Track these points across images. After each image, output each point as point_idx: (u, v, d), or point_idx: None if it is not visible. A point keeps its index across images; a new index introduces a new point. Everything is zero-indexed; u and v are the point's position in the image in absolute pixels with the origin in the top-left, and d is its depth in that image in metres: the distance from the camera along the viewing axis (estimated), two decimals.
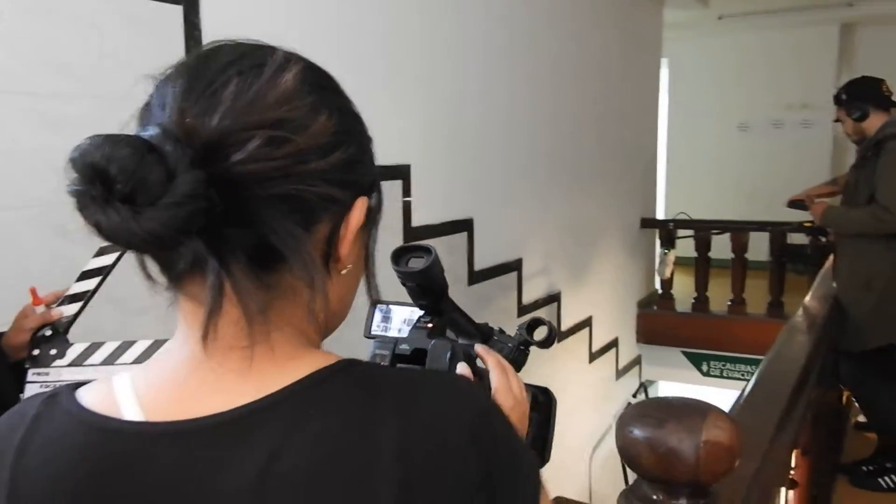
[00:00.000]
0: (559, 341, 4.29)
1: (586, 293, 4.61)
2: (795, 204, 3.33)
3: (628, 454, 0.96)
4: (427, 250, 0.72)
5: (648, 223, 5.43)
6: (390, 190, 2.90)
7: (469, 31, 3.27)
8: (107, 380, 0.53)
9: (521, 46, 3.71)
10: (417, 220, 3.03)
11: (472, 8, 3.29)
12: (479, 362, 0.78)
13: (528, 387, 0.90)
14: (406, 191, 2.97)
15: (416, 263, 0.71)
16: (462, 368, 0.73)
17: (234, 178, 0.46)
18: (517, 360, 0.89)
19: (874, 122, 2.74)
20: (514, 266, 3.79)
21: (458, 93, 3.20)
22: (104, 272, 1.34)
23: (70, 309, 1.35)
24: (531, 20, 3.80)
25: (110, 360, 1.35)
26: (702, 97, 7.24)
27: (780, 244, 4.81)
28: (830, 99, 3.00)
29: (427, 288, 0.74)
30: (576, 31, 4.30)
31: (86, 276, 1.36)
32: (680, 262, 5.32)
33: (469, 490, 0.47)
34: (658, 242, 5.39)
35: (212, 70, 0.49)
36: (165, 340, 1.37)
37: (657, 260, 5.27)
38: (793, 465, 1.81)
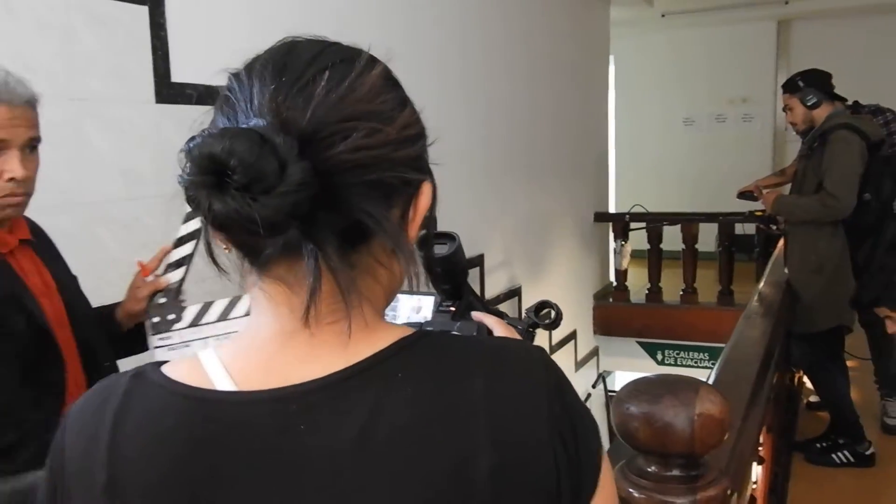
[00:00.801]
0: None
1: (545, 287, 4.69)
2: (745, 195, 3.45)
3: (625, 429, 1.01)
4: (451, 237, 0.75)
5: (602, 217, 5.55)
6: None
7: (422, 32, 3.30)
8: (192, 356, 0.55)
9: (474, 46, 3.76)
10: None
11: (424, 8, 3.32)
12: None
13: None
14: None
15: (441, 249, 0.74)
16: None
17: (334, 166, 0.49)
18: (528, 341, 0.93)
19: (822, 112, 2.87)
20: (476, 262, 3.84)
21: (412, 92, 3.23)
22: (196, 236, 1.44)
23: (175, 275, 1.45)
24: (483, 20, 3.86)
25: (223, 316, 1.49)
26: (648, 93, 7.43)
27: (728, 234, 4.98)
28: (770, 93, 3.13)
29: (451, 272, 0.77)
30: (527, 29, 4.37)
31: (180, 242, 1.47)
32: (633, 255, 5.46)
33: (554, 471, 0.51)
34: (612, 236, 5.51)
35: (298, 65, 0.52)
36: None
37: (612, 252, 5.40)
38: (761, 440, 1.90)
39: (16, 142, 1.17)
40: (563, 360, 5.04)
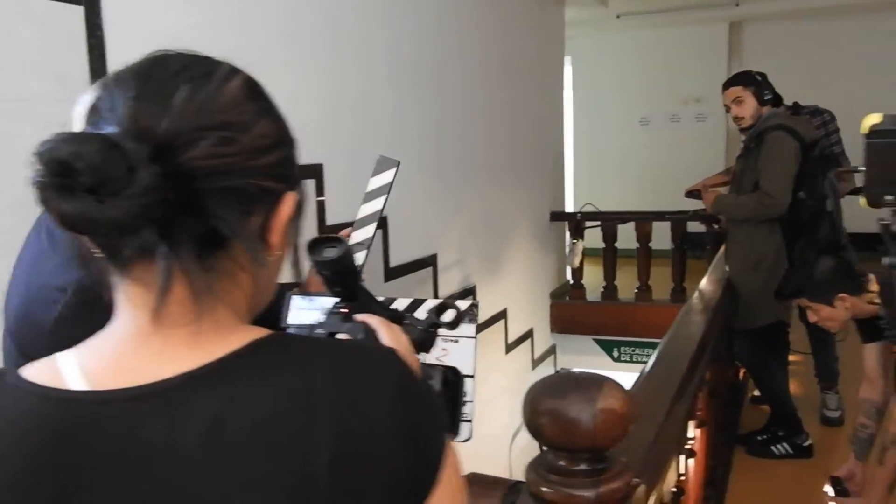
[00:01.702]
0: (476, 333, 4.40)
1: (501, 286, 4.73)
2: (692, 194, 3.53)
3: (534, 426, 1.05)
4: (339, 240, 0.77)
5: (558, 216, 5.61)
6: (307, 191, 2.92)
7: (375, 32, 3.31)
8: (49, 357, 0.57)
9: (428, 46, 3.78)
10: (332, 219, 3.06)
11: (377, 7, 3.33)
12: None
13: (439, 366, 0.96)
14: (319, 190, 3.00)
15: (331, 253, 0.76)
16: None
17: (186, 172, 0.52)
18: (426, 341, 0.95)
19: (763, 112, 2.94)
20: (430, 261, 3.86)
21: (365, 92, 3.24)
22: (377, 218, 1.40)
23: (358, 258, 1.39)
24: (437, 20, 3.88)
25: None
26: (605, 93, 7.54)
27: (680, 232, 5.07)
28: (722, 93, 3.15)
29: (340, 275, 0.79)
30: (481, 28, 4.41)
31: (361, 223, 1.43)
32: (589, 253, 5.53)
33: (396, 469, 0.54)
34: (568, 235, 5.58)
35: (163, 76, 0.56)
36: (455, 300, 1.41)
37: (567, 250, 5.46)
38: (690, 435, 1.95)
39: None
40: (521, 358, 5.09)
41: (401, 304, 1.50)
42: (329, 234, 0.78)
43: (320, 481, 0.50)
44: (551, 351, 5.67)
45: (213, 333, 0.56)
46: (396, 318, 0.93)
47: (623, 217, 5.27)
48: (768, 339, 3.05)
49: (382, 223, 3.41)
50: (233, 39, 2.48)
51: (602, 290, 5.38)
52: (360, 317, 0.82)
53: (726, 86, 3.03)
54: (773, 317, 2.95)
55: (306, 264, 0.79)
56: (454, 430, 0.96)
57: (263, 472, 0.50)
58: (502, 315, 4.78)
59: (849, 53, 6.70)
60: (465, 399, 1.42)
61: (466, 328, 1.44)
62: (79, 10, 1.99)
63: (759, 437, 3.15)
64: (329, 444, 0.51)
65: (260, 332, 0.58)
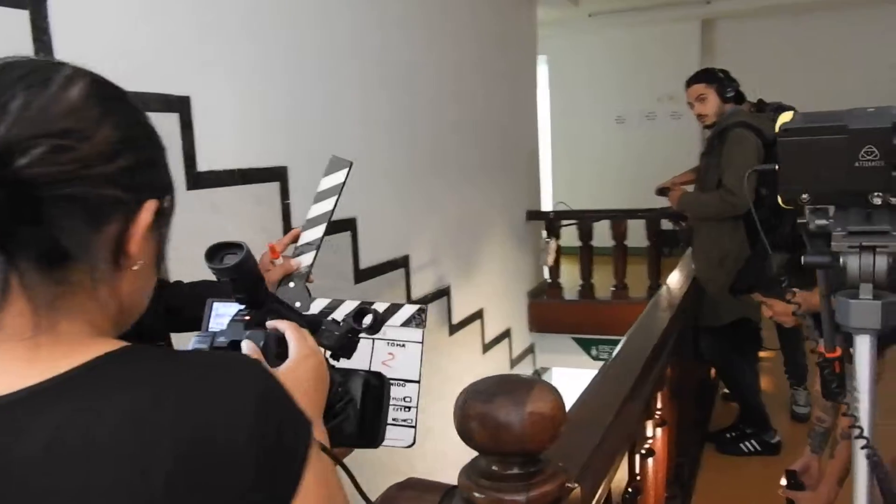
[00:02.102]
0: (451, 334, 4.39)
1: (476, 286, 4.73)
2: (663, 191, 3.53)
3: (464, 430, 1.03)
4: (240, 246, 0.75)
5: (534, 215, 5.61)
6: (269, 193, 2.89)
7: (342, 31, 3.29)
8: None
9: (396, 45, 3.76)
10: (297, 222, 3.03)
11: (344, 7, 3.32)
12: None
13: (360, 372, 0.95)
14: (284, 193, 2.97)
15: (231, 259, 0.74)
16: (247, 347, 0.77)
17: (22, 181, 0.50)
18: (345, 346, 0.94)
19: (727, 109, 2.95)
20: (402, 263, 3.85)
21: (332, 92, 3.22)
22: (327, 218, 1.38)
23: (306, 259, 1.39)
24: (405, 18, 3.87)
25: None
26: (581, 92, 7.54)
27: (654, 230, 5.08)
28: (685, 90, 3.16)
29: (242, 282, 0.77)
30: (453, 28, 4.40)
31: (311, 223, 1.41)
32: (567, 252, 5.54)
33: (243, 483, 0.52)
34: (545, 234, 5.59)
35: (4, 84, 0.54)
36: (401, 304, 1.37)
37: (541, 249, 5.47)
38: (649, 434, 1.94)
39: None
40: (499, 357, 5.09)
41: (318, 306, 1.49)
42: (229, 241, 0.77)
43: (157, 499, 0.49)
44: (530, 350, 5.67)
45: (56, 347, 0.54)
46: (313, 323, 0.92)
47: (598, 215, 5.27)
48: (735, 336, 3.06)
49: (351, 225, 3.40)
50: (186, 43, 2.46)
51: (579, 288, 5.39)
52: (271, 323, 0.81)
53: (689, 83, 3.04)
54: (739, 313, 2.96)
55: (207, 271, 0.78)
56: (374, 438, 0.94)
57: (100, 489, 0.49)
58: (479, 315, 4.77)
59: (822, 50, 6.74)
60: (408, 405, 1.41)
61: (413, 333, 1.44)
62: (24, 14, 1.96)
63: (728, 435, 3.15)
64: (168, 462, 0.50)
65: (115, 346, 0.56)
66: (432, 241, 4.17)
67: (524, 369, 5.54)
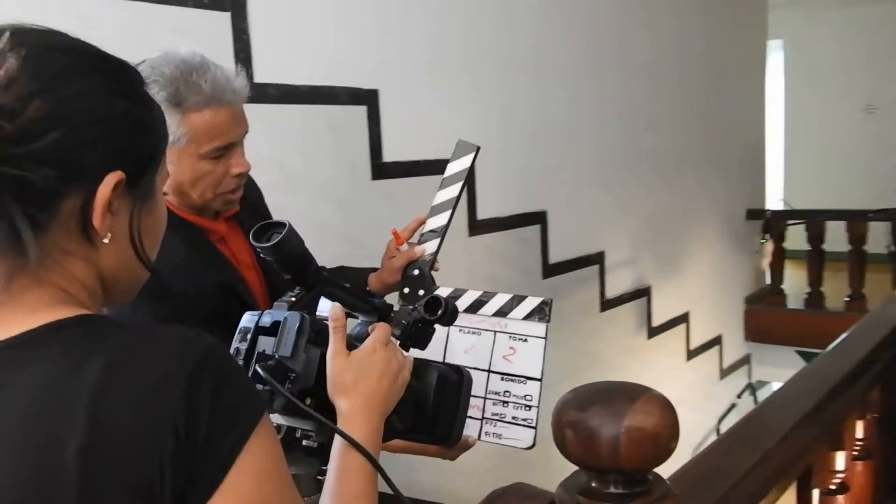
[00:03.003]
0: (650, 338, 4.16)
1: (682, 288, 4.43)
2: None
3: (556, 437, 0.94)
4: (282, 224, 0.74)
5: (755, 214, 5.12)
6: None
7: (527, 23, 3.22)
8: None
9: (608, 32, 3.61)
10: (484, 213, 3.04)
11: None
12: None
13: (437, 364, 0.90)
14: (471, 185, 2.98)
15: (275, 237, 0.74)
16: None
17: None
18: (416, 336, 0.89)
19: None
20: (596, 259, 3.71)
21: (516, 83, 3.17)
22: (452, 205, 1.38)
23: (430, 246, 1.39)
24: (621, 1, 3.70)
25: (473, 309, 1.42)
26: (822, 78, 6.75)
27: None
28: None
29: (287, 261, 0.76)
30: (672, 12, 4.12)
31: (436, 210, 1.41)
32: (793, 256, 5.01)
33: (156, 459, 0.50)
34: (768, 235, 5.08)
35: None
36: (525, 296, 1.42)
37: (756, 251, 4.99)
38: (839, 468, 1.67)
39: (239, 139, 1.22)
40: (705, 366, 4.73)
41: (441, 294, 1.41)
42: (275, 220, 0.75)
43: (69, 468, 0.48)
44: (744, 361, 5.21)
45: (20, 312, 0.56)
46: (382, 310, 0.88)
47: (824, 215, 4.68)
48: None
49: (541, 218, 3.33)
50: (375, 34, 2.54)
51: (806, 296, 4.84)
52: (324, 305, 0.79)
53: None
54: None
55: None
56: (447, 436, 0.89)
57: (15, 452, 0.49)
58: (683, 319, 4.47)
59: None
60: (528, 403, 1.33)
61: (536, 327, 1.35)
62: (225, 17, 2.14)
63: None
64: (83, 430, 0.49)
65: (67, 313, 0.56)
66: (631, 237, 3.96)
67: (737, 381, 5.10)
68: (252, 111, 2.21)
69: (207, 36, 2.10)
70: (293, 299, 0.79)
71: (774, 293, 5.00)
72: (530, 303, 1.35)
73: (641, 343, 4.09)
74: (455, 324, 1.38)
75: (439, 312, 0.89)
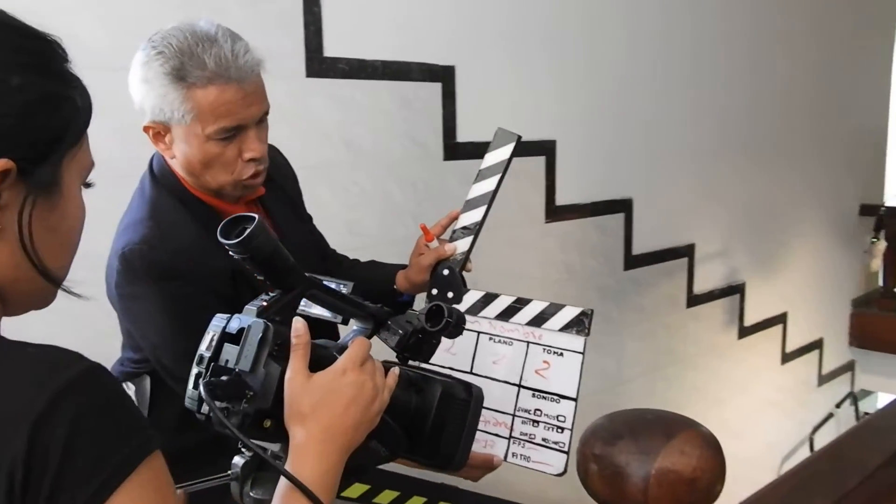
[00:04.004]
0: (741, 337, 3.90)
1: (780, 286, 4.13)
2: None
3: (580, 471, 0.83)
4: (252, 218, 0.66)
5: (870, 210, 4.70)
6: (533, 167, 2.78)
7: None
8: None
9: (707, 7, 3.35)
10: (563, 199, 2.90)
11: None
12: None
13: (442, 379, 0.80)
14: (550, 169, 2.84)
15: (239, 234, 0.65)
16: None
17: None
18: (415, 348, 0.80)
19: None
20: (685, 252, 3.49)
21: (601, 63, 2.97)
22: (488, 200, 1.28)
23: (462, 244, 1.29)
24: None
25: (505, 316, 1.31)
26: None
27: None
28: None
29: (258, 260, 0.68)
30: None
31: (471, 205, 1.31)
32: None
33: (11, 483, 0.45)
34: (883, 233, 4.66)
35: None
36: (562, 305, 1.31)
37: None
38: None
39: (251, 121, 1.12)
40: (802, 370, 4.42)
41: (471, 299, 1.26)
42: (245, 214, 0.67)
43: None
44: (848, 368, 4.83)
45: None
46: (378, 317, 0.79)
47: None
48: None
49: (626, 206, 3.15)
50: (456, 12, 2.43)
51: None
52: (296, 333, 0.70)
53: None
54: None
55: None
56: (450, 459, 0.79)
57: None
58: (781, 319, 4.18)
59: None
60: (561, 425, 1.21)
61: (573, 340, 1.22)
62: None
63: None
64: None
65: None
66: (724, 229, 3.71)
67: (837, 389, 4.74)
68: (321, 86, 2.19)
69: (276, 7, 2.05)
70: (264, 304, 0.72)
71: (886, 296, 4.59)
72: (569, 312, 1.22)
73: (730, 342, 3.84)
74: (485, 331, 1.28)
75: (442, 323, 0.79)
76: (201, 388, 0.63)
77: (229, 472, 0.71)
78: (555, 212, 2.87)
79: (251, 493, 0.71)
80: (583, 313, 1.22)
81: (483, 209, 1.25)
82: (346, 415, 0.68)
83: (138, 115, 1.14)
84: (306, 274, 0.74)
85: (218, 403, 0.64)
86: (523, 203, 2.79)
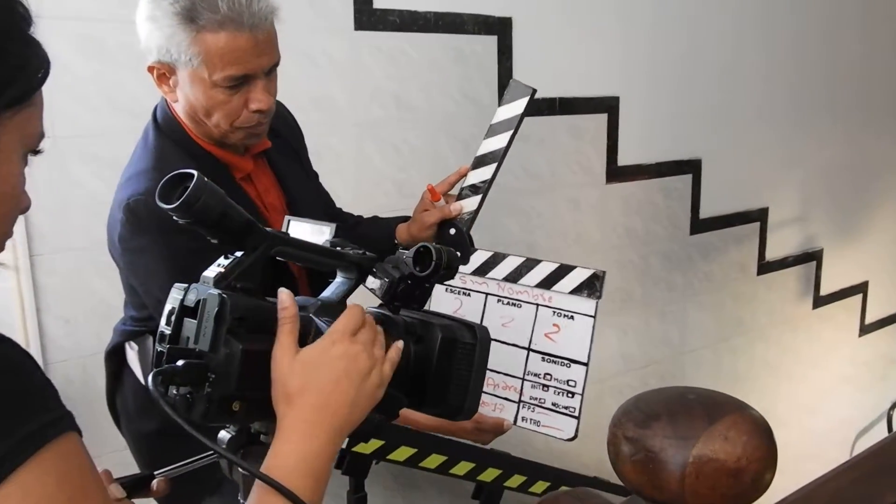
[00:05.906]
0: (815, 307, 3.70)
1: (860, 254, 3.89)
2: None
3: (611, 453, 0.75)
4: (191, 175, 0.58)
5: None
6: (595, 125, 2.66)
7: None
8: None
9: None
10: (626, 159, 2.76)
11: None
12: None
13: (441, 323, 0.72)
14: (612, 127, 2.71)
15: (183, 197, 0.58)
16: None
17: None
18: (404, 296, 0.72)
19: None
20: (757, 216, 3.31)
21: (670, 17, 2.79)
22: (498, 157, 1.22)
23: (469, 203, 1.24)
24: None
25: (513, 277, 1.26)
26: None
27: None
28: None
29: (208, 223, 0.60)
30: None
31: (481, 162, 1.24)
32: None
33: None
34: None
35: None
36: (573, 266, 1.25)
37: None
38: None
39: (260, 72, 1.08)
40: (882, 344, 4.19)
41: (479, 259, 1.17)
42: (184, 171, 0.59)
43: None
44: None
45: None
46: (362, 266, 0.71)
47: None
48: None
49: (694, 166, 2.99)
50: None
51: None
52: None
53: None
54: None
55: None
56: (458, 408, 0.72)
57: None
58: (861, 289, 3.95)
59: None
60: (571, 389, 1.14)
61: (584, 303, 1.15)
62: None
63: None
64: None
65: None
66: (801, 193, 3.49)
67: None
68: (371, 39, 2.12)
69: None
70: (222, 270, 0.63)
71: None
72: (580, 274, 1.15)
73: (804, 313, 3.65)
74: (493, 293, 1.21)
75: (431, 267, 0.70)
76: (149, 379, 0.57)
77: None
78: (616, 173, 2.74)
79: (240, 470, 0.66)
80: (594, 275, 1.14)
81: (493, 167, 1.18)
82: (336, 391, 0.61)
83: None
84: (269, 229, 0.66)
85: (181, 390, 0.59)
86: (583, 163, 2.67)
